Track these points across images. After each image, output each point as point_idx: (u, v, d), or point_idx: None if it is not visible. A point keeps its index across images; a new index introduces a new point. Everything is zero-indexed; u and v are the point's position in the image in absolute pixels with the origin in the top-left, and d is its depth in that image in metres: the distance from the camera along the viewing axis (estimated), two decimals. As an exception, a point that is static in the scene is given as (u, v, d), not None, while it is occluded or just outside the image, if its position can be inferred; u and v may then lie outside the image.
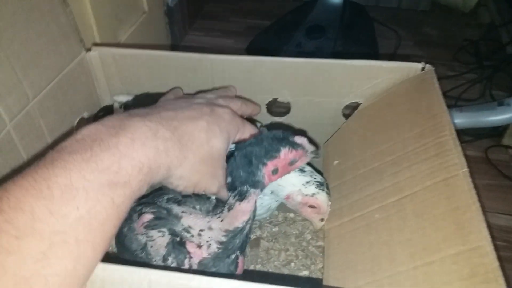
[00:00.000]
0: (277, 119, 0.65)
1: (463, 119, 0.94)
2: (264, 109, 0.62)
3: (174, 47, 1.21)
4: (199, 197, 0.49)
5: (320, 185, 0.52)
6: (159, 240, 0.44)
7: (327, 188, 0.52)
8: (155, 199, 0.49)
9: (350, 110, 0.61)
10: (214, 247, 0.43)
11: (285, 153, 0.42)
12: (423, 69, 0.55)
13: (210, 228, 0.44)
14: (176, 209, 0.47)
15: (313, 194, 0.51)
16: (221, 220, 0.43)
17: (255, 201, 0.42)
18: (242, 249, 0.45)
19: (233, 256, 0.45)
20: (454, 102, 1.05)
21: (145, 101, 0.55)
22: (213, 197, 0.48)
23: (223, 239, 0.43)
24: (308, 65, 0.58)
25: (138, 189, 0.33)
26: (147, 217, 0.46)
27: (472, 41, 1.26)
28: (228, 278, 0.30)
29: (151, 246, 0.44)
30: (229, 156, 0.43)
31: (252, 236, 0.65)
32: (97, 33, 0.78)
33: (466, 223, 0.35)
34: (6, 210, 0.26)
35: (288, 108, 0.63)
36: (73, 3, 0.58)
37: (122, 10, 0.88)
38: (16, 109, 0.47)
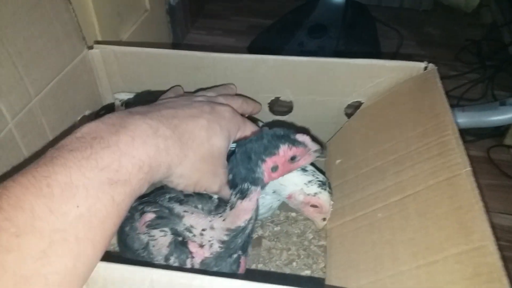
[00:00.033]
0: (279, 118, 0.65)
1: (465, 119, 0.94)
2: (266, 108, 0.62)
3: (175, 46, 1.21)
4: (201, 196, 0.49)
5: (322, 184, 0.51)
6: (161, 240, 0.44)
7: (329, 188, 0.52)
8: (157, 198, 0.49)
9: (353, 109, 0.61)
10: (216, 247, 0.43)
11: (284, 150, 0.42)
12: (425, 68, 0.54)
13: (212, 228, 0.44)
14: (178, 208, 0.47)
15: (315, 194, 0.51)
16: (223, 219, 0.43)
17: (257, 200, 0.42)
18: (244, 248, 0.45)
19: (235, 256, 0.44)
20: (456, 102, 1.04)
21: (146, 99, 0.55)
22: (215, 196, 0.48)
23: (225, 238, 0.43)
24: (311, 64, 0.57)
25: (138, 188, 0.33)
26: (149, 216, 0.46)
27: (474, 41, 1.26)
28: (230, 278, 0.30)
29: (153, 246, 0.44)
30: (230, 154, 0.43)
31: (254, 236, 0.65)
32: (99, 31, 0.78)
33: (469, 222, 0.35)
34: (6, 208, 0.26)
35: (290, 107, 0.63)
36: (75, 1, 0.57)
37: (124, 8, 0.88)
38: (18, 107, 0.47)
